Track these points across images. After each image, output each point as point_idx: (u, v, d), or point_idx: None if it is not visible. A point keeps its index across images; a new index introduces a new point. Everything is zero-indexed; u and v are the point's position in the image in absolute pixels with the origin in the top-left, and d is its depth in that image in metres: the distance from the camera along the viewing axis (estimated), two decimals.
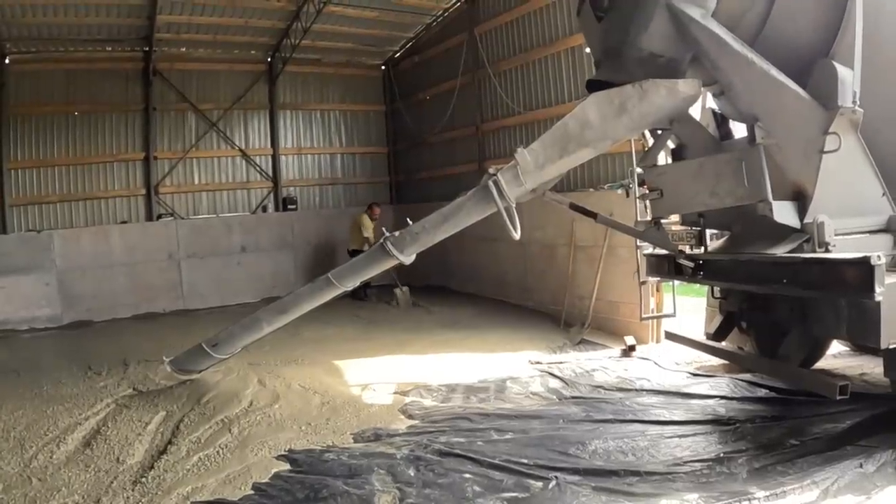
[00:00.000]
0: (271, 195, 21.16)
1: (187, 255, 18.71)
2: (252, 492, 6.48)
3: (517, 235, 7.32)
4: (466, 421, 8.18)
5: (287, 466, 7.03)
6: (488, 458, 6.78)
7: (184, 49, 19.49)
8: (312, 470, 6.87)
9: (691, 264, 7.59)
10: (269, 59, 20.86)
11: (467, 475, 6.49)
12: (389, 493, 6.20)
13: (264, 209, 20.94)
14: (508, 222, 7.22)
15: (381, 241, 7.83)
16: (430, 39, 20.56)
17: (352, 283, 8.45)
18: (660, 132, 8.12)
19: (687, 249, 8.21)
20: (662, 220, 8.10)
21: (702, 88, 7.02)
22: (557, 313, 13.82)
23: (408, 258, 7.91)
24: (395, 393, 9.51)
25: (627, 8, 6.73)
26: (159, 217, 19.14)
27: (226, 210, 20.41)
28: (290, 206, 21.05)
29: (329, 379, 10.15)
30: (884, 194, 6.70)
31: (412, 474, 6.58)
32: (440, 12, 19.44)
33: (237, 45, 19.99)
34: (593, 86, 7.05)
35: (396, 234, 7.84)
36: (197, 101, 19.79)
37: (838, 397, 6.21)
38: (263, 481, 6.67)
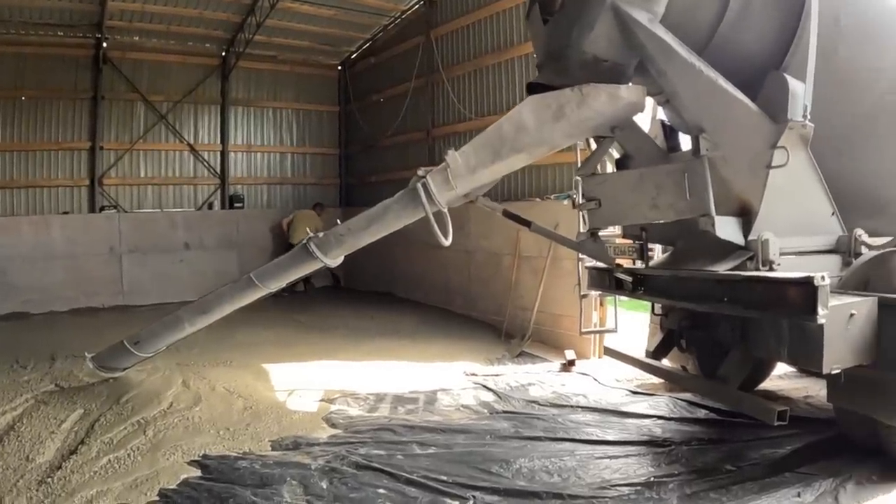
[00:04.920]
0: (218, 192, 20.84)
1: (129, 249, 18.30)
2: (157, 498, 6.16)
3: (446, 242, 6.99)
4: (390, 433, 7.89)
5: (198, 472, 6.71)
6: (406, 474, 6.50)
7: (136, 38, 19.07)
8: (223, 477, 6.55)
9: (629, 279, 7.34)
10: (223, 54, 20.56)
11: (381, 490, 6.20)
12: None
13: (210, 206, 20.61)
14: (436, 228, 6.89)
15: (305, 241, 7.53)
16: (387, 41, 20.43)
17: (276, 285, 8.12)
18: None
19: (629, 264, 7.98)
20: (603, 233, 7.87)
21: (648, 97, 6.81)
22: (500, 324, 13.62)
23: (333, 261, 7.63)
24: (322, 400, 9.21)
25: (574, 10, 6.50)
26: (102, 209, 18.73)
27: (171, 205, 20.05)
28: (236, 205, 20.77)
29: (256, 383, 9.85)
30: (833, 213, 6.58)
31: (325, 487, 6.28)
32: (398, 14, 19.27)
33: (191, 36, 19.61)
34: (534, 89, 6.80)
35: (321, 234, 7.55)
36: (147, 93, 19.41)
37: (776, 423, 5.99)
38: (171, 487, 6.35)
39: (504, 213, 8.02)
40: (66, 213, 18.22)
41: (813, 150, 6.27)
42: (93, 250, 17.78)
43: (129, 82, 19.06)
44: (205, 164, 20.58)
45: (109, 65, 18.62)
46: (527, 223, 7.97)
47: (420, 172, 7.00)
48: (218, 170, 20.81)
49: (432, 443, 7.55)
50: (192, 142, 20.32)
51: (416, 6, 18.53)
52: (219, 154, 20.86)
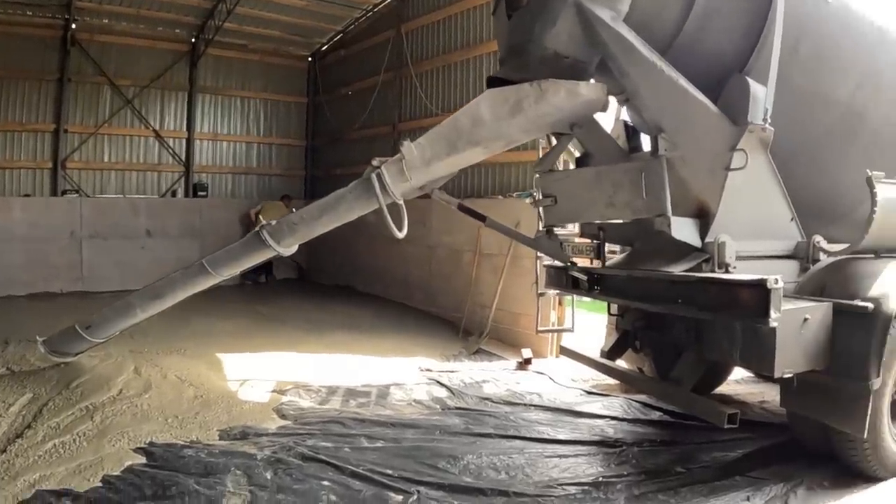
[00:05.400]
0: (182, 180, 20.66)
1: (90, 234, 18.07)
2: (100, 484, 6.07)
3: (400, 235, 6.88)
4: (339, 425, 7.83)
5: (143, 460, 6.62)
6: (352, 467, 6.44)
7: (106, 21, 18.80)
8: (167, 465, 6.47)
9: (584, 277, 7.30)
10: (192, 40, 20.38)
11: (326, 482, 6.14)
12: (239, 496, 5.86)
13: (174, 194, 20.44)
14: (389, 220, 6.78)
15: (258, 229, 7.43)
16: (357, 34, 20.33)
17: (228, 272, 7.97)
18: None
19: (587, 263, 7.96)
20: (562, 232, 7.86)
21: (609, 96, 6.75)
22: (459, 320, 13.60)
23: (286, 249, 7.50)
24: (274, 391, 9.15)
25: (537, 6, 6.44)
26: (64, 193, 18.49)
27: (133, 191, 19.84)
28: (200, 193, 20.60)
29: (209, 372, 9.76)
30: (792, 219, 6.57)
31: (268, 477, 6.22)
32: (370, 7, 19.15)
33: (161, 21, 19.39)
34: (494, 84, 6.75)
35: (273, 222, 7.45)
36: (114, 76, 19.19)
37: (726, 426, 5.92)
38: (114, 474, 6.26)
39: (459, 206, 7.97)
40: (27, 195, 17.98)
41: (776, 159, 6.28)
42: (53, 234, 17.54)
43: (96, 65, 18.84)
44: (170, 150, 20.39)
45: (77, 47, 18.40)
46: (482, 217, 7.92)
47: (375, 163, 6.87)
48: (183, 157, 20.63)
49: (381, 436, 7.51)
50: (157, 128, 20.11)
51: (389, 0, 18.43)
52: (184, 141, 20.67)
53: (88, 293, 17.09)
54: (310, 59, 22.77)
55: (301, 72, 22.88)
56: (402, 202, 6.94)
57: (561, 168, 8.58)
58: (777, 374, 5.67)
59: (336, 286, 19.36)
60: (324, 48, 22.14)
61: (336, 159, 21.23)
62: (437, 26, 16.32)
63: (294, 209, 7.86)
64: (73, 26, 18.13)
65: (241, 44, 20.91)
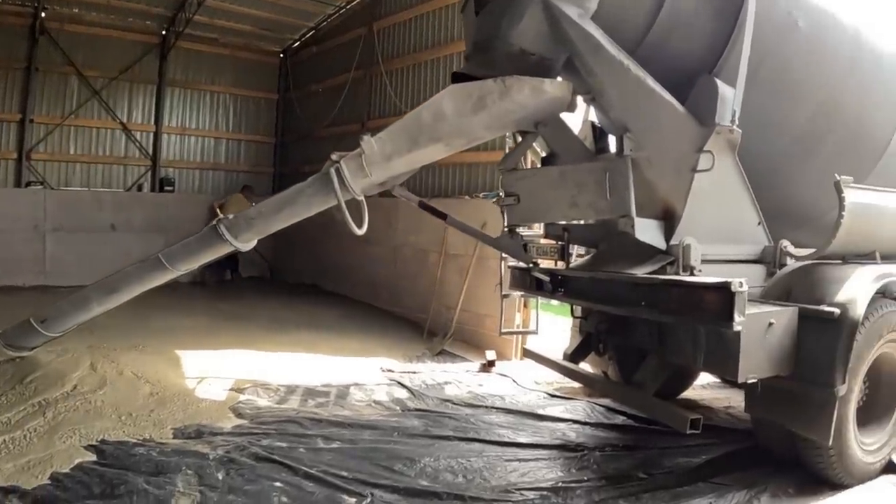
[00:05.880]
0: (148, 174, 20.46)
1: (54, 227, 17.83)
2: (48, 481, 5.92)
3: (359, 231, 6.74)
4: (296, 425, 7.70)
5: (93, 457, 6.47)
6: (305, 468, 6.31)
7: (76, 10, 18.62)
8: (117, 464, 6.32)
9: (546, 278, 7.20)
10: (163, 32, 20.18)
11: (278, 483, 6.01)
12: (189, 497, 5.72)
13: (139, 188, 20.25)
14: (347, 216, 6.60)
15: (214, 223, 7.25)
16: (329, 31, 20.27)
17: (185, 267, 7.76)
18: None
19: (551, 264, 7.90)
20: (526, 232, 7.78)
21: (575, 96, 6.69)
22: (424, 321, 13.51)
23: (244, 245, 7.31)
24: (231, 389, 9.00)
25: (505, 1, 6.34)
26: (28, 185, 18.26)
27: (99, 184, 19.61)
28: (166, 188, 20.39)
29: (167, 369, 9.58)
30: (759, 223, 6.50)
31: (220, 477, 6.08)
32: (343, 3, 19.08)
33: (132, 12, 19.19)
34: (459, 80, 6.62)
35: (230, 217, 7.29)
36: (83, 67, 18.95)
37: (688, 431, 5.84)
38: (63, 471, 6.11)
39: (420, 204, 7.84)
40: None
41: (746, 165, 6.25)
42: (16, 227, 17.26)
43: (65, 55, 18.59)
44: (137, 144, 20.19)
45: (46, 36, 18.15)
46: (442, 216, 7.79)
47: (334, 157, 6.71)
48: (150, 151, 20.43)
49: (337, 437, 7.39)
50: (125, 120, 19.91)
51: None
52: (152, 135, 20.47)
53: (51, 287, 16.63)
54: (281, 55, 22.63)
55: (272, 67, 22.73)
56: (362, 198, 6.83)
57: (527, 167, 8.50)
58: (741, 380, 5.59)
59: (303, 284, 19.29)
60: (296, 44, 22.03)
61: (305, 157, 21.01)
62: (408, 24, 16.28)
63: (254, 202, 7.72)
64: (43, 15, 17.92)
65: (211, 37, 20.73)
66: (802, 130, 6.79)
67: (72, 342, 9.36)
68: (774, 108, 6.61)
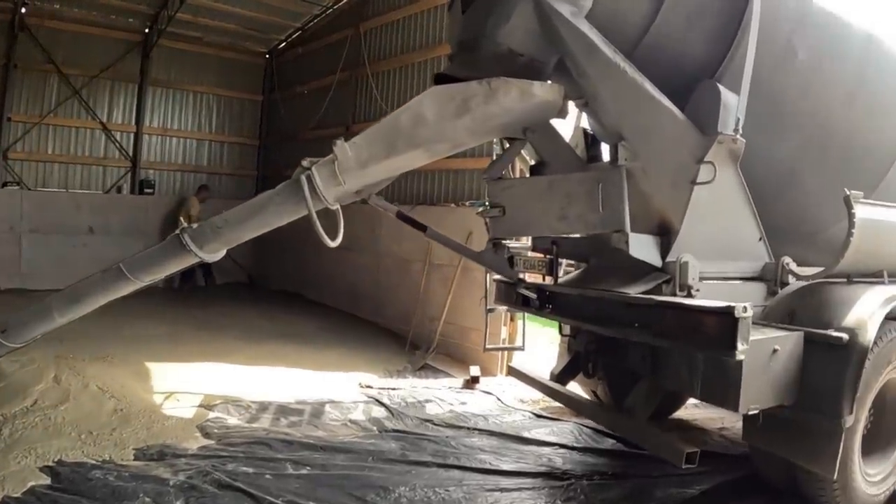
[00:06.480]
0: (128, 176, 20.08)
1: (30, 229, 17.59)
2: None
3: (332, 243, 6.22)
4: (265, 447, 7.34)
5: (48, 480, 6.15)
6: (271, 497, 5.95)
7: (57, 6, 18.33)
8: (72, 488, 6.00)
9: (533, 295, 6.85)
10: (146, 30, 19.87)
11: None
12: None
13: (119, 190, 19.88)
14: (318, 227, 6.07)
15: (177, 232, 6.79)
16: (316, 32, 20.02)
17: (150, 278, 7.29)
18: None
19: (539, 279, 7.56)
20: (514, 245, 7.48)
21: (566, 100, 6.31)
22: (406, 333, 13.23)
23: (210, 255, 6.81)
24: (201, 406, 8.66)
25: None
26: (5, 185, 17.93)
27: (77, 186, 19.25)
28: (146, 190, 20.05)
29: (134, 383, 9.24)
30: (760, 239, 6.15)
31: None
32: (330, 3, 18.82)
33: (114, 9, 18.84)
34: (442, 81, 6.19)
35: (195, 226, 6.82)
36: (63, 65, 18.60)
37: (684, 466, 5.49)
38: (14, 496, 5.79)
39: (398, 214, 7.38)
40: None
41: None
42: None
43: (44, 52, 18.24)
44: (116, 144, 19.84)
45: (26, 32, 17.83)
46: (422, 227, 7.34)
47: (305, 163, 6.24)
48: (130, 152, 20.07)
49: (308, 462, 7.02)
50: (105, 120, 19.55)
51: None
52: (132, 136, 20.11)
53: (26, 290, 16.31)
54: (267, 55, 22.42)
55: (257, 68, 22.48)
56: (336, 207, 6.36)
57: (515, 176, 8.14)
58: (742, 411, 5.23)
59: (284, 293, 19.02)
60: (281, 45, 21.82)
61: (288, 159, 20.33)
62: (396, 25, 16.06)
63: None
64: (23, 10, 17.63)
65: (195, 36, 20.41)
66: (795, 154, 6.48)
67: (39, 351, 8.94)
68: (761, 142, 6.20)
